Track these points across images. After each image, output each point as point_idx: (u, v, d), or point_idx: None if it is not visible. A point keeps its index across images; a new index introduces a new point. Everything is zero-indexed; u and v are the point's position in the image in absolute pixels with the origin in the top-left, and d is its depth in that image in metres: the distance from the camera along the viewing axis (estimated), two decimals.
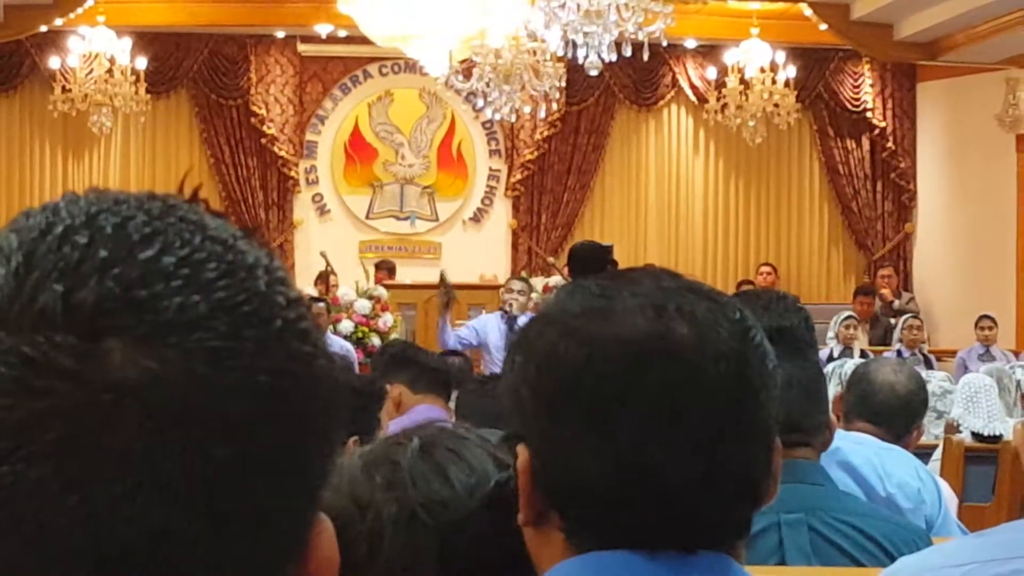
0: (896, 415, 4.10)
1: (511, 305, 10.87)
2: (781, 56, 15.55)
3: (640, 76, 17.05)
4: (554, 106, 14.47)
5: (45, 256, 0.73)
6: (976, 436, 7.77)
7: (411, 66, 15.92)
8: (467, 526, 1.50)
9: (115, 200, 0.77)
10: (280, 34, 16.58)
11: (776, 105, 15.63)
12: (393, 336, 12.12)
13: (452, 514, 1.50)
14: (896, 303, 15.79)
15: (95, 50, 15.13)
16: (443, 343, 10.37)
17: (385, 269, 15.22)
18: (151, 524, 0.71)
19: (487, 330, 10.78)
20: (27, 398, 0.70)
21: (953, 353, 13.78)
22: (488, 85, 12.73)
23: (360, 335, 12.36)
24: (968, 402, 8.00)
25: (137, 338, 0.72)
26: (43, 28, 14.82)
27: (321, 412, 0.79)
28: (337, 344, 11.06)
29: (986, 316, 13.51)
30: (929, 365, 11.88)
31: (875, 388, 4.10)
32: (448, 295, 10.79)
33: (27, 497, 0.70)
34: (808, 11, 15.10)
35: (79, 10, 14.39)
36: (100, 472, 0.71)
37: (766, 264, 16.99)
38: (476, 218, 17.41)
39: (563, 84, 13.51)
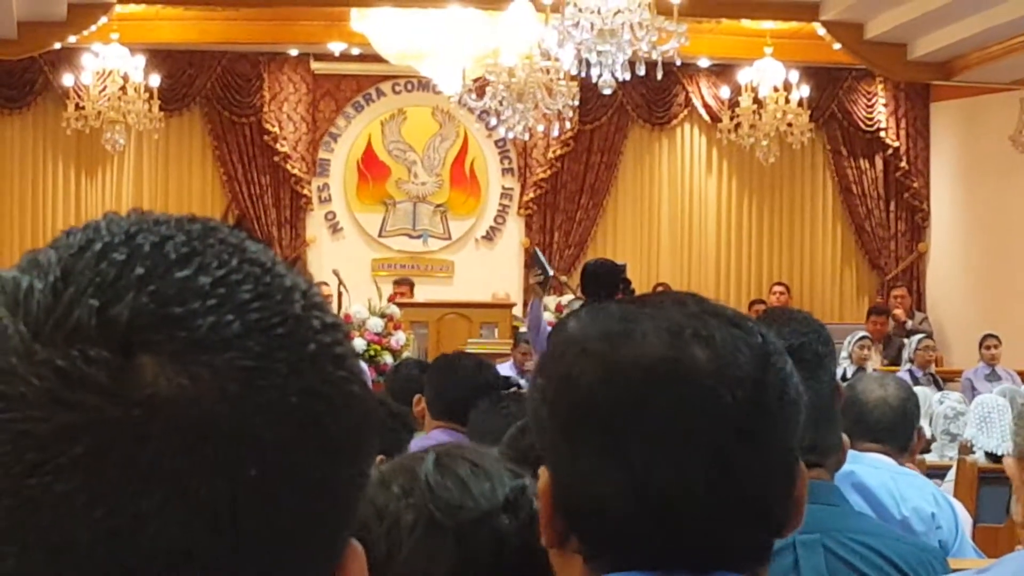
0: (896, 427, 4.09)
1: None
2: (795, 75, 15.53)
3: (653, 95, 17.07)
4: (567, 125, 14.46)
5: (82, 272, 0.74)
6: (990, 456, 7.74)
7: (424, 84, 15.97)
8: (484, 527, 1.51)
9: (155, 220, 0.78)
10: (293, 52, 16.61)
11: (789, 124, 15.61)
12: (405, 355, 12.10)
13: (468, 514, 1.51)
14: (909, 323, 15.74)
15: (108, 67, 15.14)
16: (534, 325, 9.20)
17: (407, 285, 15.36)
18: (175, 542, 0.71)
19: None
20: (58, 411, 0.71)
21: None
22: (501, 103, 12.75)
23: (372, 353, 12.35)
24: (982, 422, 7.98)
25: (170, 355, 0.72)
26: (57, 45, 14.86)
27: (352, 437, 0.79)
28: None
29: (991, 335, 13.47)
30: (938, 386, 11.84)
31: (869, 407, 4.08)
32: (542, 277, 9.43)
33: (53, 510, 0.70)
34: (822, 30, 15.10)
35: (93, 27, 14.42)
36: (126, 487, 0.71)
37: (779, 283, 16.95)
38: (489, 236, 17.41)
39: (576, 103, 13.53)
